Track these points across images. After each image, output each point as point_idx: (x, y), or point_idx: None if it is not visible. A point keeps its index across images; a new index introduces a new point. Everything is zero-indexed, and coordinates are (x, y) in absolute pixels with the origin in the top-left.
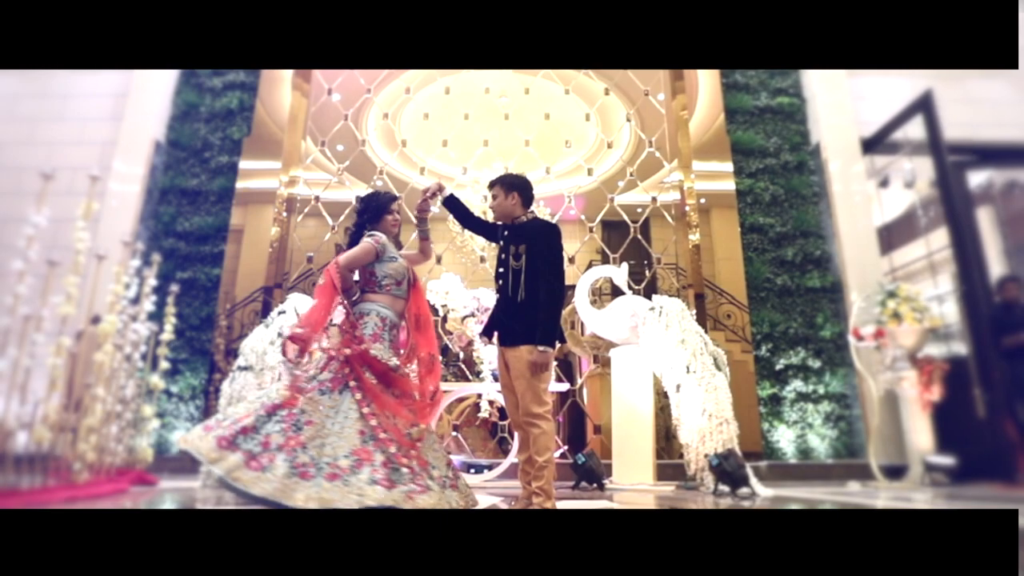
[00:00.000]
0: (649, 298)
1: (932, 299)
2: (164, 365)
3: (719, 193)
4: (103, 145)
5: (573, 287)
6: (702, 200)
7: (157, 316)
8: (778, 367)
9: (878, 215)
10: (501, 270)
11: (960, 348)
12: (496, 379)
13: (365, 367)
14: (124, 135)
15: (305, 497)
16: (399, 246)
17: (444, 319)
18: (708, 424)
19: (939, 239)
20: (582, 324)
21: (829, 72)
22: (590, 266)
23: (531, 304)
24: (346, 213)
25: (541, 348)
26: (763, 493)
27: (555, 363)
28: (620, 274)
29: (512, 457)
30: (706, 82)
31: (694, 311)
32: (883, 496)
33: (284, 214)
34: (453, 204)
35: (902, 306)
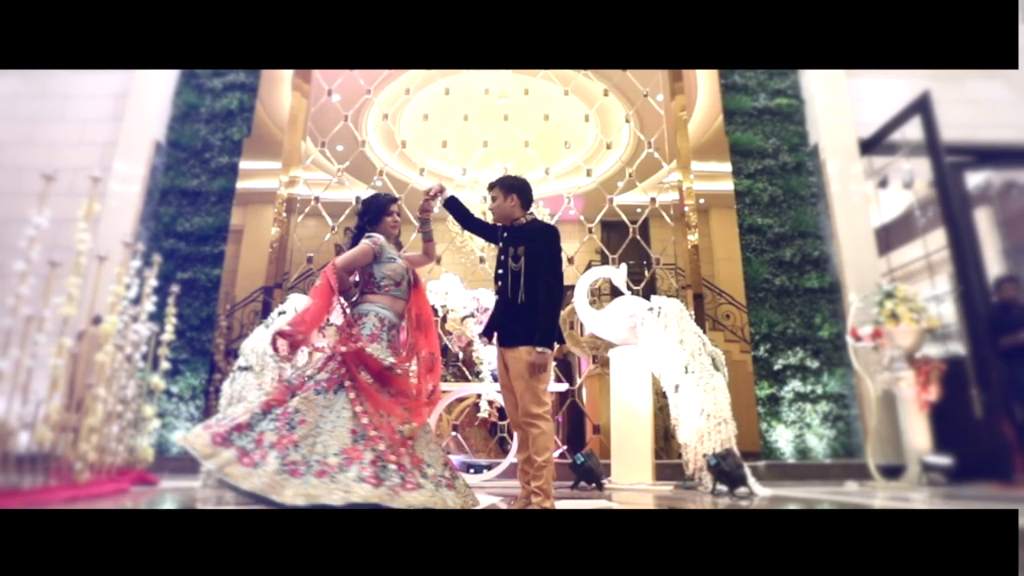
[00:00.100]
0: (648, 299)
1: (930, 299)
2: (165, 365)
3: (718, 193)
4: (103, 146)
5: (572, 287)
6: (701, 201)
7: (158, 316)
8: (776, 367)
9: (876, 216)
10: (500, 271)
11: (958, 348)
12: (495, 379)
13: (361, 367)
14: (124, 136)
15: (293, 494)
16: (399, 247)
17: (444, 319)
18: (706, 424)
19: (937, 240)
20: (581, 324)
21: (827, 73)
22: (589, 266)
23: (530, 305)
24: (346, 213)
25: (539, 349)
26: (761, 493)
27: (554, 363)
28: (619, 275)
29: (511, 457)
30: (705, 83)
31: (693, 311)
32: (881, 496)
33: (284, 214)
34: (454, 206)
35: (900, 307)
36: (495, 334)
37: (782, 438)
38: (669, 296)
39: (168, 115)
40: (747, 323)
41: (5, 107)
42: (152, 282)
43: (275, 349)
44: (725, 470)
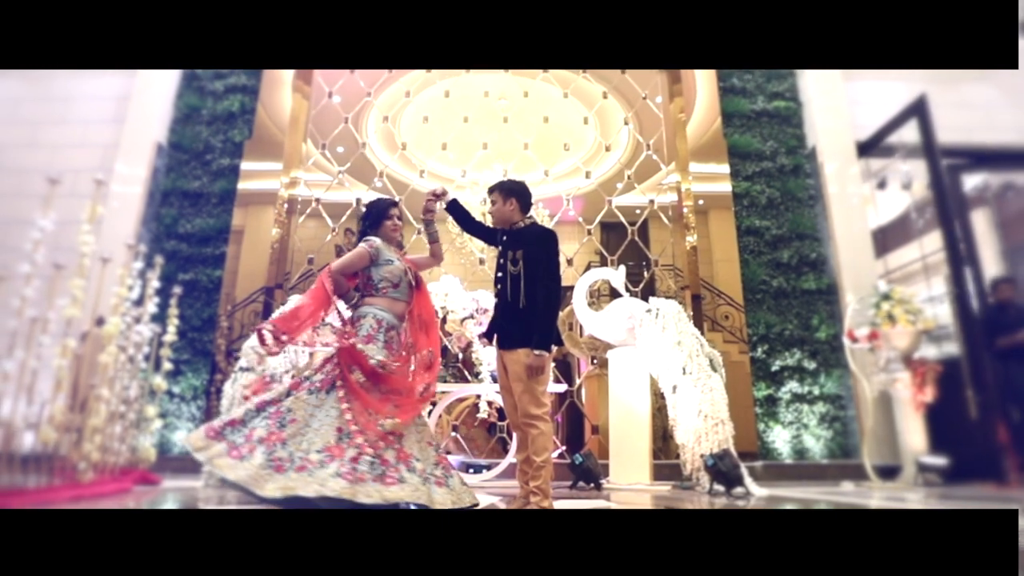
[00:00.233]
0: (646, 300)
1: (926, 301)
2: (167, 366)
3: (717, 195)
4: (105, 148)
5: (571, 289)
6: (700, 202)
7: (160, 318)
8: (774, 368)
9: (873, 218)
10: (500, 274)
11: (954, 350)
12: (495, 380)
13: (354, 367)
14: (126, 138)
15: (273, 487)
16: (401, 248)
17: (443, 321)
18: (704, 425)
19: (933, 242)
20: (580, 326)
21: (825, 76)
22: (588, 268)
23: (529, 308)
24: (347, 215)
25: (537, 352)
26: (757, 493)
27: (553, 364)
28: (617, 276)
29: (510, 457)
30: (703, 85)
31: (691, 313)
32: (877, 496)
33: (285, 216)
34: (455, 209)
35: (896, 308)
36: (495, 336)
37: (779, 438)
38: (668, 297)
39: (170, 117)
40: (745, 324)
41: (7, 110)
42: (154, 283)
43: (261, 341)
44: (722, 470)
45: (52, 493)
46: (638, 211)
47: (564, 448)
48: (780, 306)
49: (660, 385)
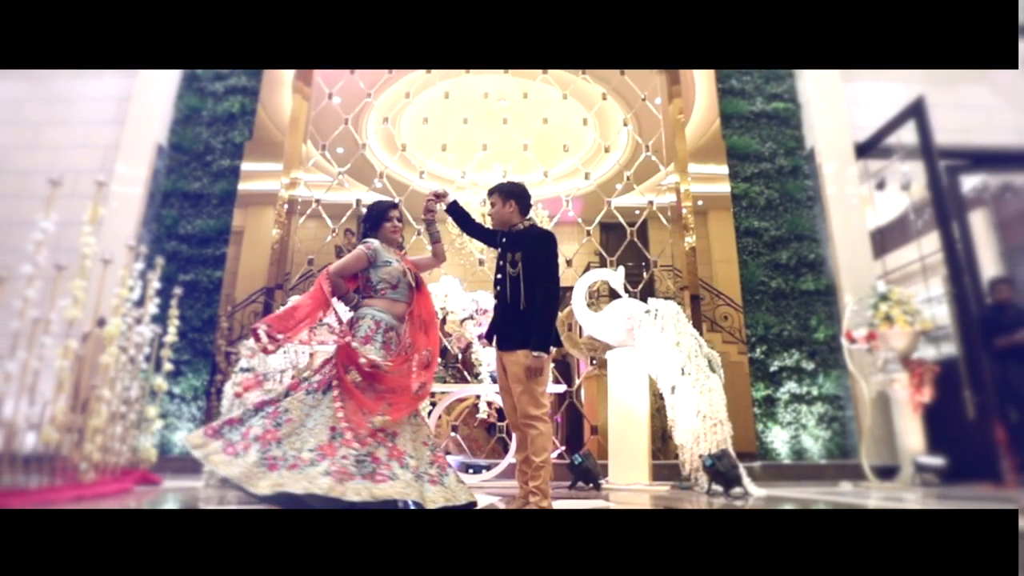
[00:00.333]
0: (645, 301)
1: (924, 302)
2: (167, 367)
3: (716, 196)
4: (106, 149)
5: (570, 289)
6: (699, 202)
7: (160, 318)
8: (772, 369)
9: (871, 219)
10: (499, 276)
11: (952, 350)
12: (494, 381)
13: (350, 367)
14: (127, 139)
15: (266, 485)
16: (401, 248)
17: (443, 321)
18: (702, 425)
19: (931, 243)
20: (579, 326)
21: (823, 78)
22: (588, 268)
23: (528, 310)
24: (347, 215)
25: (535, 354)
26: (755, 493)
27: (552, 365)
28: (616, 278)
29: (510, 457)
30: (702, 87)
31: (690, 313)
32: (875, 496)
33: (285, 216)
34: (456, 211)
35: (894, 309)
36: (495, 337)
37: (778, 439)
38: (667, 298)
39: (170, 118)
40: (744, 325)
41: (9, 111)
42: (155, 284)
43: (255, 338)
44: (720, 471)
45: (54, 493)
46: (637, 212)
47: (563, 448)
48: (779, 307)
49: (659, 386)
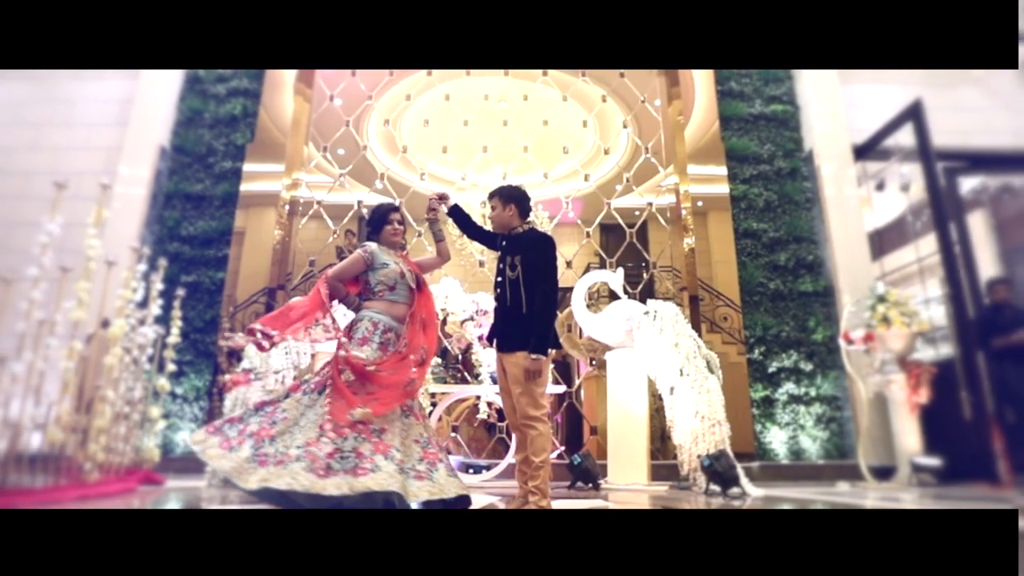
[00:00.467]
0: (644, 302)
1: (922, 303)
2: (170, 367)
3: (715, 197)
4: (109, 150)
5: (570, 291)
6: (699, 203)
7: (163, 319)
8: (771, 370)
9: (870, 221)
10: (499, 279)
11: (949, 351)
12: (494, 381)
13: (344, 368)
14: (129, 141)
15: (253, 480)
16: (403, 250)
17: (444, 322)
18: (701, 426)
19: (929, 244)
20: (579, 327)
21: (822, 80)
22: (587, 269)
23: (528, 312)
24: (348, 216)
25: (534, 356)
26: (753, 493)
27: (552, 366)
28: (616, 279)
29: (510, 457)
30: (702, 89)
31: (689, 314)
32: (872, 496)
33: (287, 217)
34: (457, 214)
35: (891, 310)
36: (495, 339)
37: (776, 439)
38: (666, 298)
39: (172, 120)
40: (743, 326)
41: (12, 112)
42: (158, 286)
43: (251, 334)
44: (718, 471)
45: (58, 493)
46: (637, 213)
47: (563, 448)
48: (777, 308)
49: (658, 386)
